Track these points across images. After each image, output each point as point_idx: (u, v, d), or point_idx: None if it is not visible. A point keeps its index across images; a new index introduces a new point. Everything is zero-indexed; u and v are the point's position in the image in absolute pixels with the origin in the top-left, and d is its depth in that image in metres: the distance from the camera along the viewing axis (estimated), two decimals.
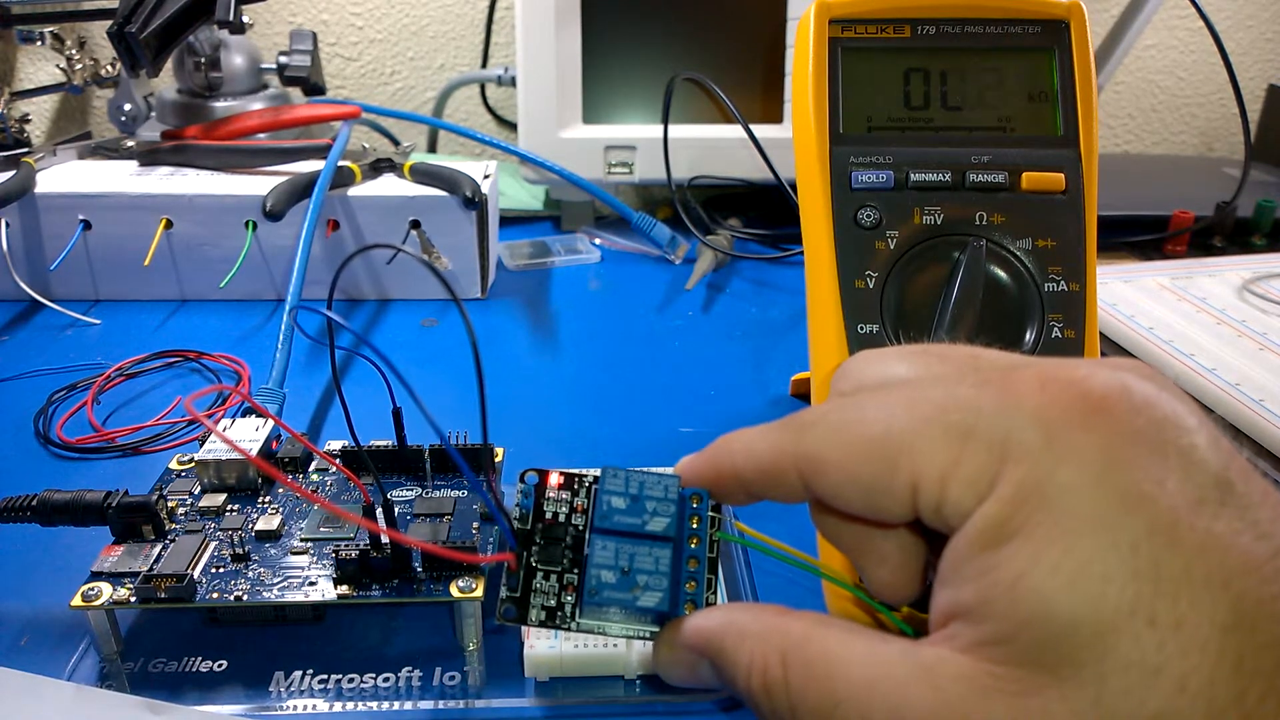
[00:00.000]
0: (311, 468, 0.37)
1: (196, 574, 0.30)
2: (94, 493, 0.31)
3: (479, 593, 0.30)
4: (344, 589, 0.30)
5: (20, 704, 0.28)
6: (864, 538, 0.22)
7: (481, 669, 0.31)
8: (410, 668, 0.30)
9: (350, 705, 0.29)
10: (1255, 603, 0.16)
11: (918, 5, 0.34)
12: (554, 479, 0.25)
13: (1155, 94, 0.96)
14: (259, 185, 0.54)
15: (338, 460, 0.35)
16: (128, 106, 0.65)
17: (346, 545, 0.30)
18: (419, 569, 0.30)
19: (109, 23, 0.55)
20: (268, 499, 0.34)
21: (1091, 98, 0.34)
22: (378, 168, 0.59)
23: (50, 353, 0.51)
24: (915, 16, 0.34)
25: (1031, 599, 0.17)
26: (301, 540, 0.32)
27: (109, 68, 0.68)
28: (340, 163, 0.56)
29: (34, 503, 0.31)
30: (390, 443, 0.36)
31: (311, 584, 0.30)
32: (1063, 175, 0.33)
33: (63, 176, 0.56)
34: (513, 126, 0.88)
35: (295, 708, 0.29)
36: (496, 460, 0.37)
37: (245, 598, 0.30)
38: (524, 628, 0.30)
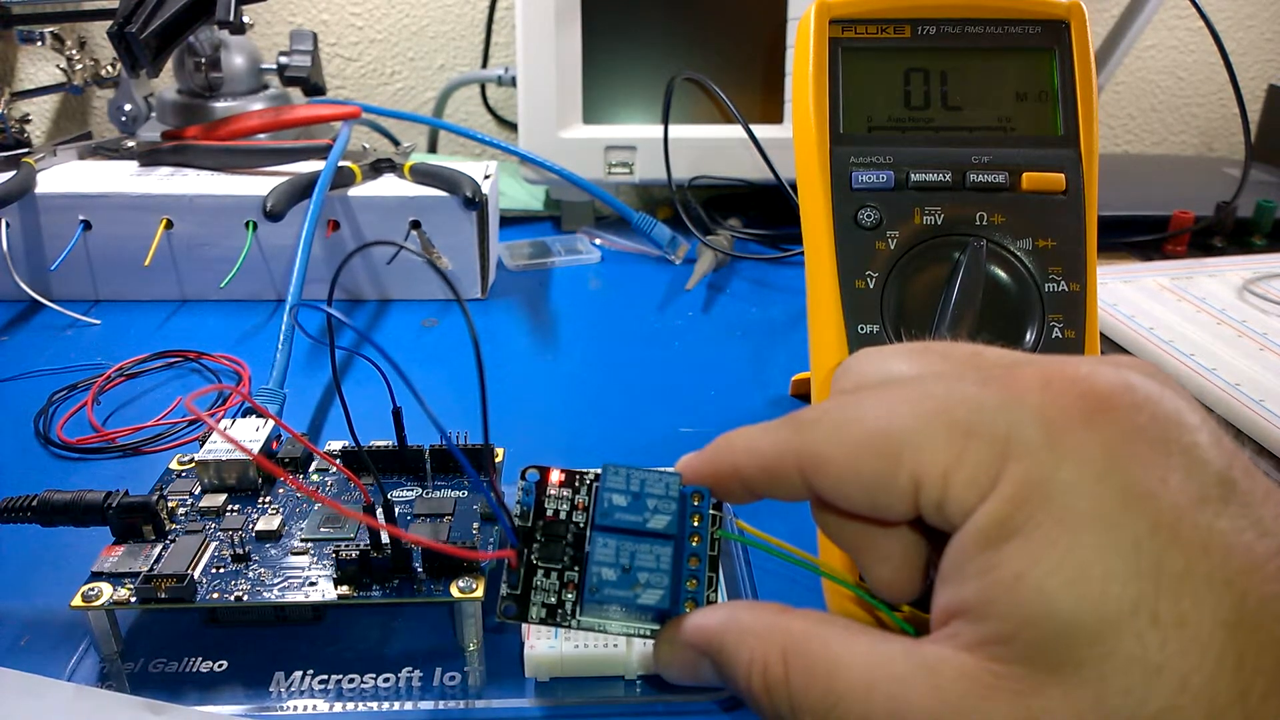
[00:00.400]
0: (312, 468, 0.37)
1: (197, 574, 0.30)
2: (94, 493, 0.31)
3: (479, 593, 0.30)
4: (344, 589, 0.30)
5: (20, 704, 0.28)
6: (865, 536, 0.22)
7: (481, 669, 0.31)
8: (410, 668, 0.30)
9: (350, 705, 0.29)
10: (1258, 601, 0.16)
11: (918, 5, 0.34)
12: (555, 476, 0.25)
13: (1155, 94, 0.96)
14: (259, 185, 0.54)
15: (338, 460, 0.35)
16: (128, 107, 0.65)
17: (347, 545, 0.30)
18: (419, 569, 0.30)
19: (109, 23, 0.55)
20: (268, 499, 0.34)
21: (1091, 98, 0.34)
22: (378, 168, 0.59)
23: (50, 353, 0.51)
24: (915, 16, 0.34)
25: (1033, 597, 0.17)
26: (302, 540, 0.32)
27: (109, 68, 0.68)
28: (340, 163, 0.56)
29: (34, 503, 0.31)
30: (390, 443, 0.35)
31: (311, 584, 0.30)
32: (1063, 175, 0.33)
33: (63, 176, 0.56)
34: (513, 126, 0.88)
35: (295, 708, 0.29)
36: (497, 460, 0.37)
37: (245, 598, 0.30)
38: (524, 628, 0.30)
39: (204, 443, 0.36)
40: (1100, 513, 0.17)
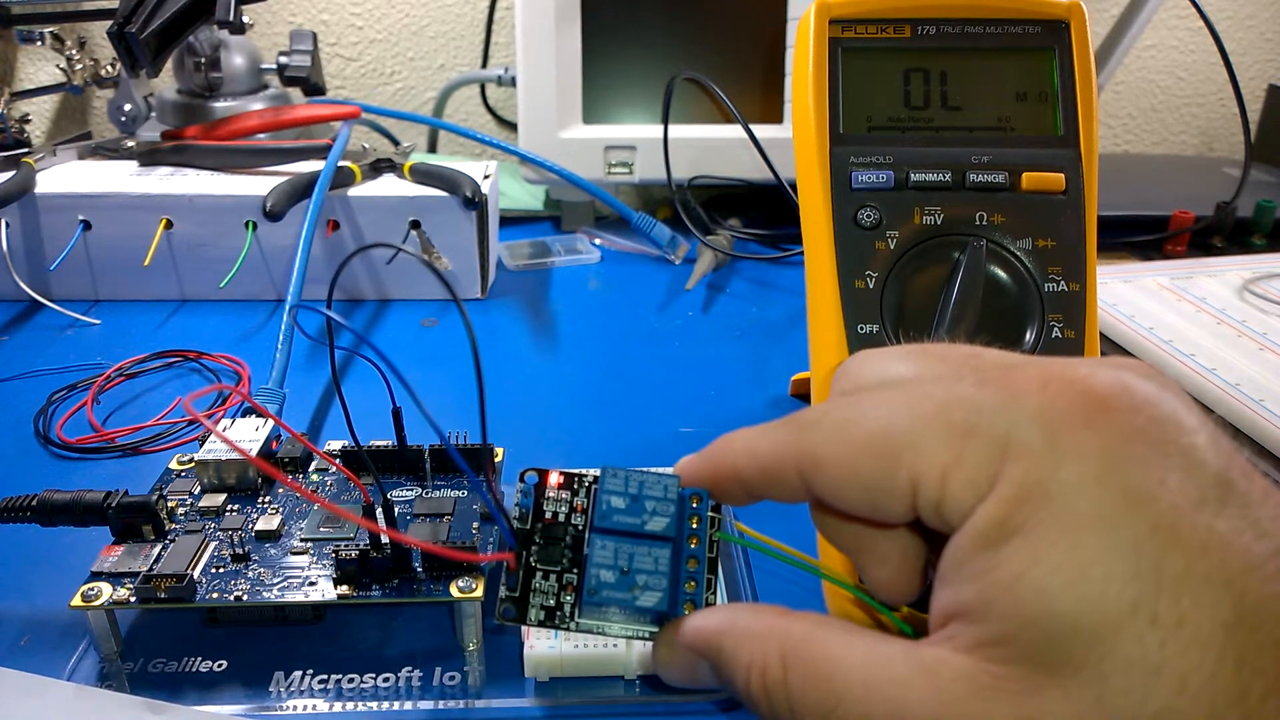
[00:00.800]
0: (311, 468, 0.37)
1: (196, 574, 0.30)
2: (94, 493, 0.31)
3: (479, 593, 0.30)
4: (344, 589, 0.30)
5: (20, 704, 0.28)
6: (864, 537, 0.22)
7: (481, 669, 0.31)
8: (410, 668, 0.30)
9: (350, 705, 0.29)
10: (1257, 601, 0.16)
11: (918, 5, 0.34)
12: (554, 479, 0.25)
13: (1155, 94, 0.96)
14: (259, 185, 0.54)
15: (338, 460, 0.35)
16: (128, 106, 0.65)
17: (346, 545, 0.30)
18: (419, 569, 0.30)
19: (109, 23, 0.55)
20: (268, 499, 0.34)
21: (1091, 98, 0.34)
22: (378, 168, 0.59)
23: (50, 353, 0.51)
24: (915, 16, 0.34)
25: (1032, 598, 0.17)
26: (301, 540, 0.32)
27: (109, 68, 0.68)
28: (340, 163, 0.56)
29: (34, 503, 0.31)
30: (390, 443, 0.36)
31: (311, 584, 0.30)
32: (1063, 175, 0.33)
33: (63, 176, 0.56)
34: (513, 126, 0.88)
35: (295, 708, 0.29)
36: (496, 460, 0.37)
37: (245, 598, 0.30)
38: (524, 627, 0.30)
39: (204, 442, 0.36)
40: (1100, 514, 0.17)
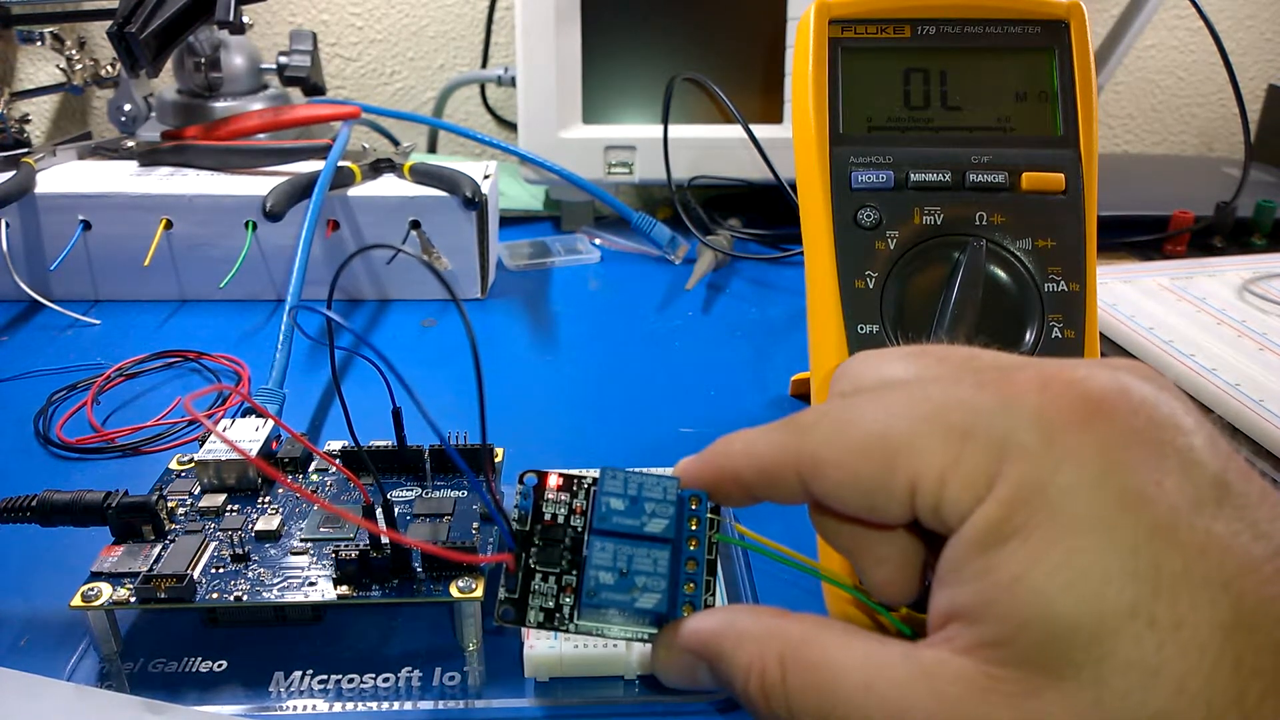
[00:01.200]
0: (311, 468, 0.37)
1: (196, 574, 0.30)
2: (94, 493, 0.31)
3: (479, 593, 0.30)
4: (344, 589, 0.30)
5: (20, 704, 0.28)
6: (863, 539, 0.22)
7: (481, 669, 0.31)
8: (410, 668, 0.30)
9: (350, 705, 0.29)
10: (1255, 603, 0.16)
11: (918, 5, 0.34)
12: (553, 480, 0.25)
13: (1155, 94, 0.96)
14: (259, 185, 0.54)
15: (338, 460, 0.35)
16: (128, 107, 0.65)
17: (346, 546, 0.30)
18: (419, 569, 0.30)
19: (109, 23, 0.55)
20: (267, 499, 0.34)
21: (1091, 98, 0.34)
22: (378, 168, 0.59)
23: (50, 353, 0.51)
24: (915, 16, 0.34)
25: (1031, 600, 0.17)
26: (301, 540, 0.32)
27: (109, 68, 0.68)
28: (340, 163, 0.56)
29: (34, 503, 0.31)
30: (390, 443, 0.36)
31: (311, 584, 0.30)
32: (1063, 175, 0.33)
33: (63, 176, 0.57)
34: (513, 126, 0.88)
35: (295, 708, 0.29)
36: (496, 460, 0.37)
37: (245, 598, 0.30)
38: (524, 629, 0.30)
39: (204, 443, 0.36)
40: (1098, 515, 0.17)
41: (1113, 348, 0.51)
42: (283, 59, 0.71)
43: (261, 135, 0.65)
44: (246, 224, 0.54)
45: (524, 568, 0.24)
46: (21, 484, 0.38)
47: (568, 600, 0.24)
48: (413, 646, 0.31)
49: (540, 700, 0.29)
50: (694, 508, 0.24)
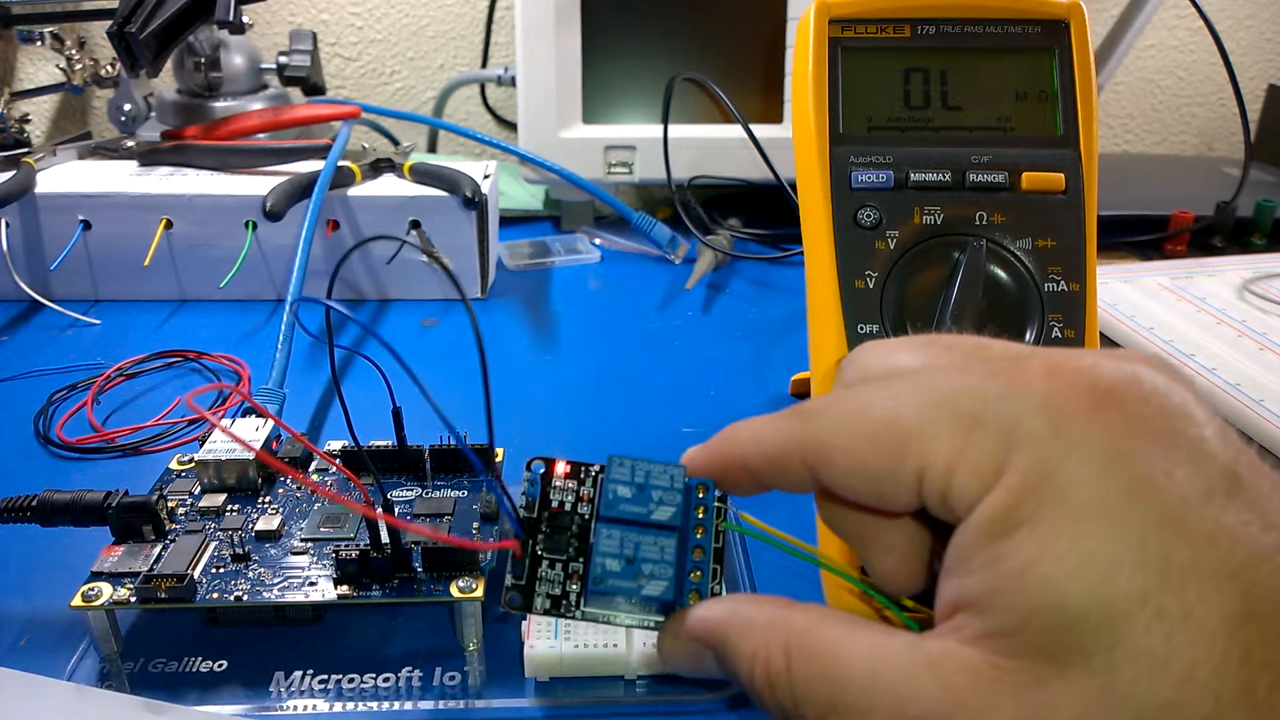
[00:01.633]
0: (311, 468, 0.37)
1: (196, 574, 0.30)
2: (94, 493, 0.31)
3: (479, 593, 0.30)
4: (344, 589, 0.30)
5: (20, 704, 0.28)
6: (870, 527, 0.22)
7: (481, 669, 0.31)
8: (410, 668, 0.30)
9: (350, 705, 0.29)
10: (1264, 594, 0.16)
11: (918, 5, 0.34)
12: (560, 468, 0.25)
13: (1155, 94, 0.96)
14: (259, 185, 0.54)
15: (338, 460, 0.35)
16: (128, 106, 0.65)
17: (346, 545, 0.30)
18: (419, 569, 0.30)
19: (109, 23, 0.55)
20: (268, 499, 0.34)
21: (1091, 98, 0.34)
22: (378, 168, 0.59)
23: (50, 353, 0.51)
24: (915, 16, 0.34)
25: (1039, 589, 0.17)
26: (301, 540, 0.32)
27: (109, 68, 0.68)
28: (340, 163, 0.56)
29: (34, 503, 0.31)
30: (390, 443, 0.36)
31: (311, 584, 0.30)
32: (1063, 175, 0.33)
33: (63, 176, 0.57)
34: (513, 126, 0.88)
35: (295, 708, 0.29)
36: (497, 461, 0.37)
37: (245, 598, 0.30)
38: (524, 627, 0.30)
39: (204, 442, 0.36)
40: (1107, 504, 0.17)
41: (1113, 348, 0.51)
42: (283, 59, 0.71)
43: (261, 135, 0.65)
44: (246, 224, 0.54)
45: (531, 555, 0.24)
46: (21, 484, 0.38)
47: (574, 587, 0.24)
48: (413, 646, 0.31)
49: (540, 700, 0.29)
50: (701, 496, 0.24)
